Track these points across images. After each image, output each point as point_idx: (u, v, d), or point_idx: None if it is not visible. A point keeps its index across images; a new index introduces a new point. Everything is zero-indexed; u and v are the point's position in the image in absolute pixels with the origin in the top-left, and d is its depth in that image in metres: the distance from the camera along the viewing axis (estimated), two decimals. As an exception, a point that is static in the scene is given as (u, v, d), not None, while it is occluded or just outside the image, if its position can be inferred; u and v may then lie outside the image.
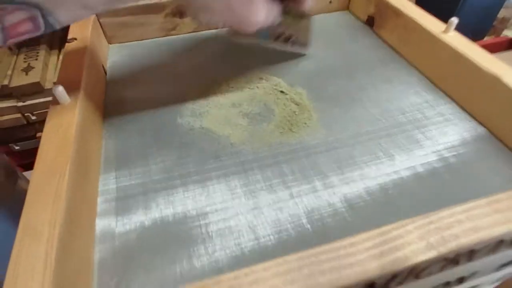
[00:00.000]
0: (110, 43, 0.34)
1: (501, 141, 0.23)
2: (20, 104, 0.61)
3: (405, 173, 0.21)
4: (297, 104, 0.27)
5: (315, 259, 0.13)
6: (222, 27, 0.24)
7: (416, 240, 0.14)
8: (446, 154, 0.22)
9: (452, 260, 0.15)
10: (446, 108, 0.26)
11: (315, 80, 0.29)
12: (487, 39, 0.89)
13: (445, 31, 0.27)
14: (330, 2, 0.38)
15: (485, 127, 0.24)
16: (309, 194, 0.20)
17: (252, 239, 0.18)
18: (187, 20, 0.34)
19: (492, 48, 0.78)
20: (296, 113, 0.26)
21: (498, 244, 0.15)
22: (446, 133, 0.24)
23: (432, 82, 0.28)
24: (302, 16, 0.28)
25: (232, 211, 0.20)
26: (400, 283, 0.15)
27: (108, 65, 0.31)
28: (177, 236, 0.19)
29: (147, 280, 0.17)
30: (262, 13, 0.22)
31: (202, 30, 0.35)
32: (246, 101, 0.27)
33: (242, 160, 0.22)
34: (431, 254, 0.13)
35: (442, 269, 0.16)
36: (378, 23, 0.34)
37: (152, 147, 0.24)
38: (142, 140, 0.24)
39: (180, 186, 0.21)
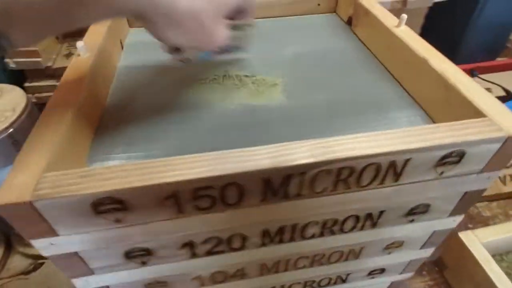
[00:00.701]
0: (131, 27, 0.41)
1: (425, 112, 0.27)
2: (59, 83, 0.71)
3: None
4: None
5: (228, 155, 0.18)
6: (185, 47, 0.23)
7: (303, 151, 0.19)
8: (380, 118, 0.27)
9: (340, 177, 0.20)
10: (394, 91, 0.30)
11: (288, 68, 0.34)
12: (500, 60, 0.90)
13: (398, 25, 0.31)
14: (319, 4, 0.44)
15: (413, 98, 0.29)
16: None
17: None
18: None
19: (504, 69, 0.80)
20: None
21: (378, 169, 0.20)
22: (382, 105, 0.28)
23: (386, 68, 0.33)
24: (246, 27, 0.30)
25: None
26: (298, 194, 0.20)
27: (125, 42, 0.39)
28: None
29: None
30: (226, 31, 0.24)
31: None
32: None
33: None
34: (310, 159, 0.18)
35: (335, 187, 0.20)
36: (355, 22, 0.39)
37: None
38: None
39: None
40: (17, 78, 0.69)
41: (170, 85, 0.32)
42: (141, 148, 0.25)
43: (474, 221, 0.54)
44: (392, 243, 0.28)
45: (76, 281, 0.23)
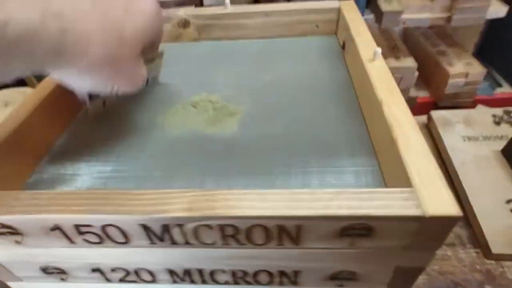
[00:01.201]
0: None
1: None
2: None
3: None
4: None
5: (109, 196, 0.19)
6: (109, 90, 0.23)
7: (183, 203, 0.18)
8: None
9: (225, 233, 0.18)
10: (358, 132, 0.27)
11: (257, 95, 0.33)
12: None
13: (372, 59, 0.28)
14: (317, 26, 0.41)
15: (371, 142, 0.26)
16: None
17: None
18: (190, 30, 0.43)
19: None
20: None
21: (266, 231, 0.18)
22: (339, 148, 0.26)
23: (358, 102, 0.30)
24: (156, 57, 0.32)
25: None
26: (187, 242, 0.19)
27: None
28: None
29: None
30: (143, 69, 0.24)
31: (201, 39, 0.43)
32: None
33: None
34: (185, 214, 0.17)
35: (225, 241, 0.19)
36: (346, 48, 0.36)
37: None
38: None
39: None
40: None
41: (129, 106, 0.33)
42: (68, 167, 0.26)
43: (494, 283, 0.45)
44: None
45: (11, 284, 0.25)
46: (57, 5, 0.18)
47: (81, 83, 0.22)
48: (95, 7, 0.20)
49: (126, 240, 0.20)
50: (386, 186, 0.23)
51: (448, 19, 0.62)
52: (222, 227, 0.18)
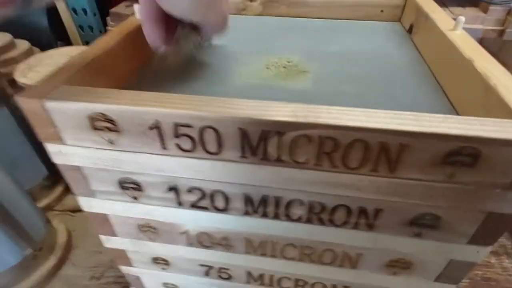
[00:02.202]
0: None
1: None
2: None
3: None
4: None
5: (213, 102, 0.19)
6: (193, 19, 0.24)
7: (286, 111, 0.18)
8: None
9: (322, 148, 0.18)
10: (434, 98, 0.27)
11: (326, 61, 0.34)
12: None
13: (453, 29, 0.28)
14: (382, 11, 0.42)
15: (450, 102, 0.25)
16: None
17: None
18: (255, 4, 0.44)
19: None
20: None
21: (366, 148, 0.18)
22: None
23: (433, 74, 0.30)
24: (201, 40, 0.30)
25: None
26: (279, 159, 0.19)
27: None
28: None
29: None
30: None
31: (265, 15, 0.44)
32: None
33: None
34: (289, 118, 0.18)
35: (318, 160, 0.19)
36: (415, 30, 0.37)
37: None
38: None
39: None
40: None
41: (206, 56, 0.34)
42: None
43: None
44: (397, 260, 0.25)
45: (81, 200, 0.26)
46: None
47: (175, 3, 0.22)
48: None
49: (218, 149, 0.20)
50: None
51: (501, 33, 0.62)
52: (322, 140, 0.18)
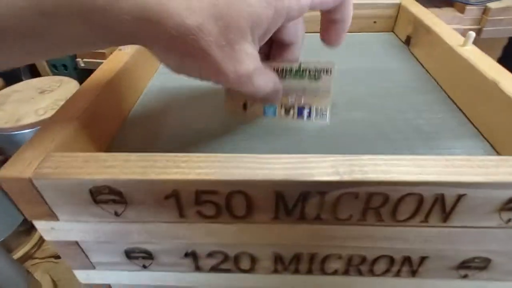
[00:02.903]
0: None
1: (491, 145, 0.23)
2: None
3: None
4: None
5: (240, 159, 0.16)
6: (199, 77, 0.18)
7: (327, 167, 0.16)
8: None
9: (369, 204, 0.16)
10: (452, 116, 0.26)
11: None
12: None
13: (463, 44, 0.27)
14: (375, 22, 0.41)
15: (476, 127, 0.24)
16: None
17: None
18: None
19: None
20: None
21: (419, 202, 0.16)
22: (436, 132, 0.24)
23: (444, 91, 0.29)
24: (322, 71, 0.23)
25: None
26: (318, 217, 0.17)
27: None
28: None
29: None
30: (247, 63, 0.17)
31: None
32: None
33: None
34: (333, 178, 0.15)
35: (363, 216, 0.17)
36: (413, 42, 0.36)
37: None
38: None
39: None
40: (86, 76, 0.76)
41: (209, 104, 0.31)
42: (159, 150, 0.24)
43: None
44: (437, 300, 0.23)
45: (77, 273, 0.22)
46: None
47: (165, 61, 0.18)
48: None
49: (246, 213, 0.17)
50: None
51: (479, 32, 0.64)
52: (370, 196, 0.16)
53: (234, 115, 0.26)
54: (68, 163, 0.16)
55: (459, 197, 0.16)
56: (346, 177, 0.15)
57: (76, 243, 0.19)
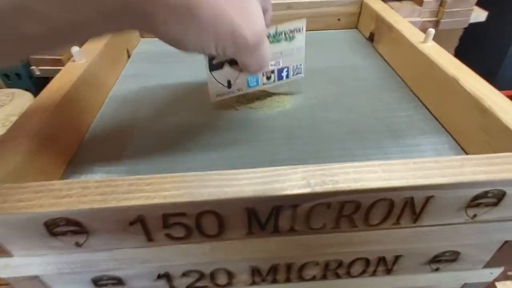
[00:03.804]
0: (142, 37, 0.41)
1: (455, 140, 0.23)
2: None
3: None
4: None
5: (207, 178, 0.16)
6: (207, 52, 0.16)
7: (297, 179, 0.15)
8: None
9: (342, 212, 0.16)
10: (417, 113, 0.27)
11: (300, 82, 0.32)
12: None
13: (424, 41, 0.28)
14: (339, 19, 0.41)
15: (440, 123, 0.25)
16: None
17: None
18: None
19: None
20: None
21: (390, 206, 0.16)
22: (404, 129, 0.25)
23: (409, 87, 0.29)
24: (295, 30, 0.23)
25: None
26: (292, 229, 0.17)
27: (134, 51, 0.38)
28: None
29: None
30: (261, 20, 0.17)
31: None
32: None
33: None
34: (305, 190, 0.15)
35: (337, 224, 0.17)
36: (377, 38, 0.36)
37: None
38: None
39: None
40: (43, 85, 0.72)
41: (172, 101, 0.30)
42: (125, 165, 0.23)
43: (515, 268, 0.47)
44: (412, 293, 0.24)
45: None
46: None
47: (172, 33, 0.15)
48: None
49: (219, 231, 0.16)
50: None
51: (437, 23, 0.66)
52: (342, 205, 0.16)
53: (220, 97, 0.26)
54: (17, 195, 0.15)
55: (428, 199, 0.16)
56: (317, 189, 0.15)
57: (37, 277, 0.18)
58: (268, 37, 0.23)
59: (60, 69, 0.67)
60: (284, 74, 0.26)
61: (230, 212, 0.15)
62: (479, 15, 0.67)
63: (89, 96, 0.27)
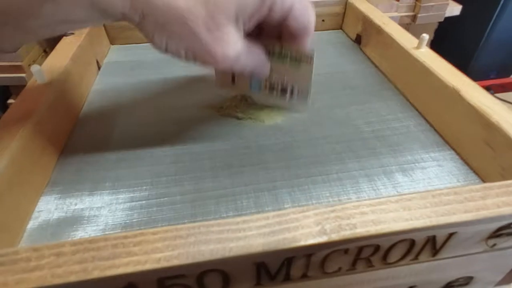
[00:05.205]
0: (112, 44, 0.37)
1: (456, 152, 0.22)
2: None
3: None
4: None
5: (204, 230, 0.13)
6: (184, 57, 0.18)
7: (310, 225, 0.14)
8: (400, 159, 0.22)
9: (360, 256, 0.15)
10: (415, 123, 0.26)
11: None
12: (513, 76, 0.86)
13: (417, 47, 0.27)
14: (323, 20, 0.39)
15: (440, 135, 0.24)
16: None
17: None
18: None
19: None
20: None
21: (411, 245, 0.15)
22: (402, 142, 0.24)
23: (404, 95, 0.28)
24: (302, 59, 0.23)
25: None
26: (304, 276, 0.15)
27: (104, 61, 0.34)
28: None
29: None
30: (234, 45, 0.18)
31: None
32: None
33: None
34: (321, 239, 0.13)
35: (353, 265, 0.15)
36: (364, 41, 0.35)
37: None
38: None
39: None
40: (2, 93, 0.65)
41: (151, 113, 0.27)
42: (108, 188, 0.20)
43: None
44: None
45: None
46: None
47: (152, 38, 0.18)
48: None
49: (223, 286, 0.14)
50: (479, 175, 0.21)
51: (414, 18, 0.66)
52: (360, 249, 0.14)
53: (224, 88, 0.27)
54: (-28, 273, 0.12)
55: (450, 235, 0.15)
56: (334, 236, 0.13)
57: None
58: (273, 54, 0.23)
59: (20, 77, 0.61)
60: (288, 93, 0.25)
61: (236, 268, 0.13)
62: (454, 9, 0.68)
63: (56, 122, 0.23)
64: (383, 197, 0.15)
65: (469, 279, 0.19)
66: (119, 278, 0.12)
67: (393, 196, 0.15)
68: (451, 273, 0.18)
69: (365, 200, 0.15)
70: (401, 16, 0.66)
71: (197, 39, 0.17)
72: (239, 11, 0.17)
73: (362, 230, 0.13)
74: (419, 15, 0.66)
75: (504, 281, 0.20)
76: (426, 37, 0.26)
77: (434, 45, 0.89)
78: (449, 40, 0.84)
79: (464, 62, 0.85)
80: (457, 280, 0.19)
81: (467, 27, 0.82)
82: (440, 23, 0.82)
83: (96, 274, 0.12)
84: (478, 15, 0.80)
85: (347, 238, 0.13)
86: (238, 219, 0.14)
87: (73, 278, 0.12)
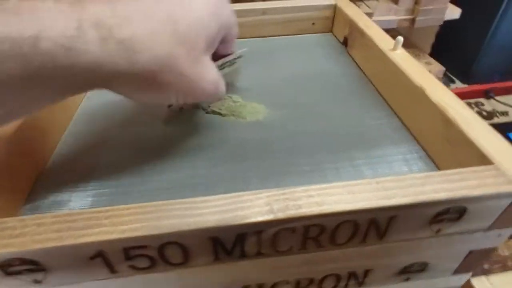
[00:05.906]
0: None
1: (424, 149, 0.24)
2: None
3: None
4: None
5: (169, 207, 0.15)
6: (176, 101, 0.19)
7: (261, 205, 0.15)
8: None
9: (308, 235, 0.16)
10: (388, 122, 0.27)
11: (274, 91, 0.32)
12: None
13: (393, 49, 0.28)
14: (313, 23, 0.41)
15: (410, 132, 0.25)
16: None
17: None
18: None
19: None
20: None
21: (355, 227, 0.16)
22: (375, 138, 0.25)
23: (381, 95, 0.30)
24: (234, 61, 0.27)
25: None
26: (259, 253, 0.17)
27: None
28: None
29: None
30: (214, 73, 0.20)
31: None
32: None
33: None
34: (268, 217, 0.15)
35: (303, 245, 0.17)
36: (350, 44, 0.36)
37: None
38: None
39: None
40: None
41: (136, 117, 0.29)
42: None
43: (491, 261, 0.48)
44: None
45: None
46: (93, 11, 0.15)
47: (138, 97, 0.18)
48: (139, 6, 0.16)
49: (184, 259, 0.16)
50: (441, 169, 0.22)
51: (412, 21, 0.67)
52: (306, 229, 0.16)
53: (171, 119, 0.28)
54: (-34, 236, 0.14)
55: (391, 219, 0.16)
56: (280, 215, 0.15)
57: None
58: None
59: None
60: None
61: (193, 242, 0.15)
62: (453, 12, 0.69)
63: (44, 131, 0.26)
64: (332, 183, 0.16)
65: (424, 265, 0.20)
66: (90, 245, 0.14)
67: (341, 182, 0.16)
68: (402, 258, 0.19)
69: (315, 185, 0.16)
70: (400, 20, 0.67)
71: (185, 79, 0.18)
72: (209, 41, 0.19)
73: (307, 210, 0.15)
74: (417, 18, 0.66)
75: (463, 268, 0.21)
76: (401, 39, 0.28)
77: (437, 48, 0.89)
78: (451, 43, 0.84)
79: (467, 65, 0.84)
80: (412, 265, 0.20)
81: (469, 30, 0.82)
82: (442, 26, 0.82)
83: (69, 241, 0.14)
84: (480, 17, 0.80)
85: (292, 216, 0.15)
86: (199, 199, 0.16)
87: (50, 244, 0.14)
